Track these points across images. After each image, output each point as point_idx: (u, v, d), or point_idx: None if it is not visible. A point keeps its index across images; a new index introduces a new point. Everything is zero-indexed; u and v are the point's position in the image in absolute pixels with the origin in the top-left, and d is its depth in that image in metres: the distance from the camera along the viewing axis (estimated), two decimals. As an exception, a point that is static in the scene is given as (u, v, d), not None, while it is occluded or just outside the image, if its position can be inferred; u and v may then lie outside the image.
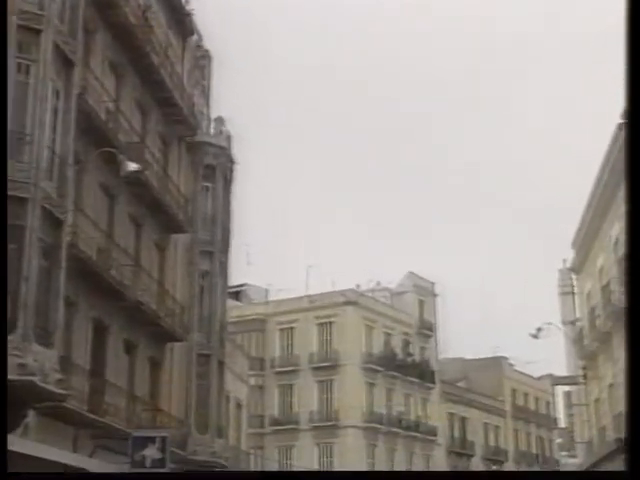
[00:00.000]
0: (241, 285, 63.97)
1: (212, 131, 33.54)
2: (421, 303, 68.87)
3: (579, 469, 35.80)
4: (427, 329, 68.56)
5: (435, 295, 70.40)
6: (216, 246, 32.14)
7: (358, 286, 64.52)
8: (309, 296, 61.95)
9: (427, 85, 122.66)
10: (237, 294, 63.28)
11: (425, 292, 69.53)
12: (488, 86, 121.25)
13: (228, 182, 33.63)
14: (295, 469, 55.39)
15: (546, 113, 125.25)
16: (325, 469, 56.84)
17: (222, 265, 32.60)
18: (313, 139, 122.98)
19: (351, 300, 61.24)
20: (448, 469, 64.64)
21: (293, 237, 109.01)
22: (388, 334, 64.16)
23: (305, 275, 61.93)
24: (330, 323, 61.19)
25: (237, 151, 34.34)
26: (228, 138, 33.56)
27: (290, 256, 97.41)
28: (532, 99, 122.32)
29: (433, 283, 70.19)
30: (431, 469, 63.16)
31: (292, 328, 62.00)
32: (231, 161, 33.80)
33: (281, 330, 62.29)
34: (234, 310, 51.72)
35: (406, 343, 65.83)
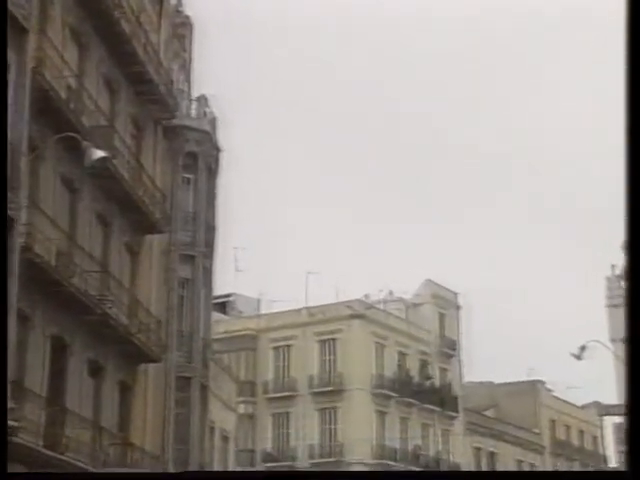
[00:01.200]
0: (228, 295, 63.93)
1: (194, 113, 33.52)
2: (441, 317, 68.82)
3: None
4: (449, 347, 68.50)
5: (458, 307, 70.37)
6: (199, 249, 32.13)
7: (366, 296, 64.53)
8: (308, 308, 61.90)
9: (427, 85, 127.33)
10: (224, 306, 63.23)
11: (446, 304, 69.48)
12: (488, 86, 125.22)
13: (212, 173, 33.62)
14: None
15: (546, 113, 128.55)
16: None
17: (206, 271, 32.57)
18: (312, 128, 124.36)
19: (358, 313, 61.18)
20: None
21: (290, 239, 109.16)
22: (402, 353, 64.10)
23: (304, 283, 61.65)
24: (333, 340, 61.12)
25: (223, 137, 34.36)
26: (212, 121, 33.54)
27: (286, 261, 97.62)
28: (532, 99, 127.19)
29: (455, 293, 70.18)
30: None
31: (289, 346, 61.93)
32: (216, 148, 33.80)
33: (275, 348, 62.22)
34: (220, 325, 51.67)
35: (424, 364, 65.78)
